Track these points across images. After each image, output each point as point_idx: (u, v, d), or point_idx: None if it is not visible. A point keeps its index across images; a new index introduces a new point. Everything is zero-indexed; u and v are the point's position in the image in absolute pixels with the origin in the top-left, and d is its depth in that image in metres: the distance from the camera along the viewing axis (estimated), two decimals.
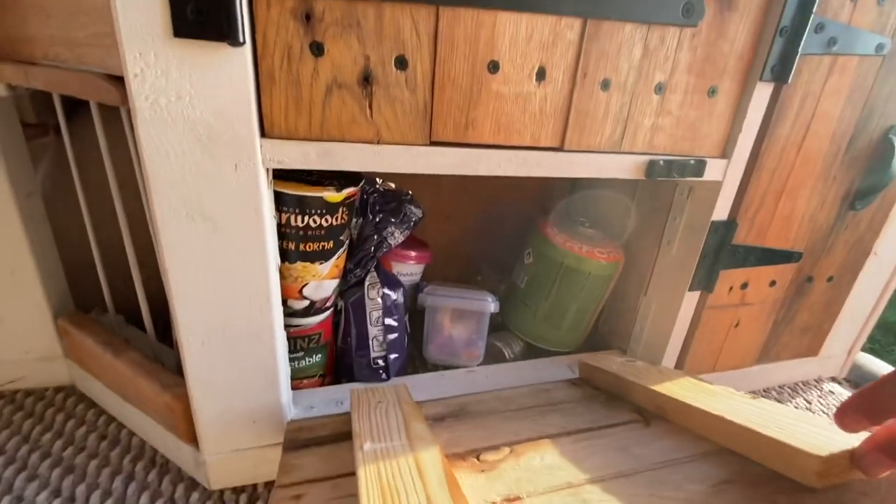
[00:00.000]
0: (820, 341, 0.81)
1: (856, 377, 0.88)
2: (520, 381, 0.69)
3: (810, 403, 0.80)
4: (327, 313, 0.63)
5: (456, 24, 0.42)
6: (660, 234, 0.69)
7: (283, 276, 0.55)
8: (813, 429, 0.41)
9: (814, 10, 0.50)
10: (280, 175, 0.52)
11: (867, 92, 0.60)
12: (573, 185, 0.92)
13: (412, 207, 0.68)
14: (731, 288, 0.68)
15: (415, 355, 0.79)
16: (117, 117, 0.49)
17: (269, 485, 0.57)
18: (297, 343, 0.61)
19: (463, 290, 0.75)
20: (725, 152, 0.58)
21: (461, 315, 0.74)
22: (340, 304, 0.67)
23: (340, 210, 0.56)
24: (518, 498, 0.40)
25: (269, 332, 0.49)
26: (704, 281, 0.65)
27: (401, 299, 0.69)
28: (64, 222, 0.66)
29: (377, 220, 0.66)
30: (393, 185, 0.70)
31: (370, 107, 0.44)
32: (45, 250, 0.64)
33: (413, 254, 0.76)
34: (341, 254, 0.60)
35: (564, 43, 0.46)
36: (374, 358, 0.67)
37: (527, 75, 0.46)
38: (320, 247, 0.56)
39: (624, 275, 0.76)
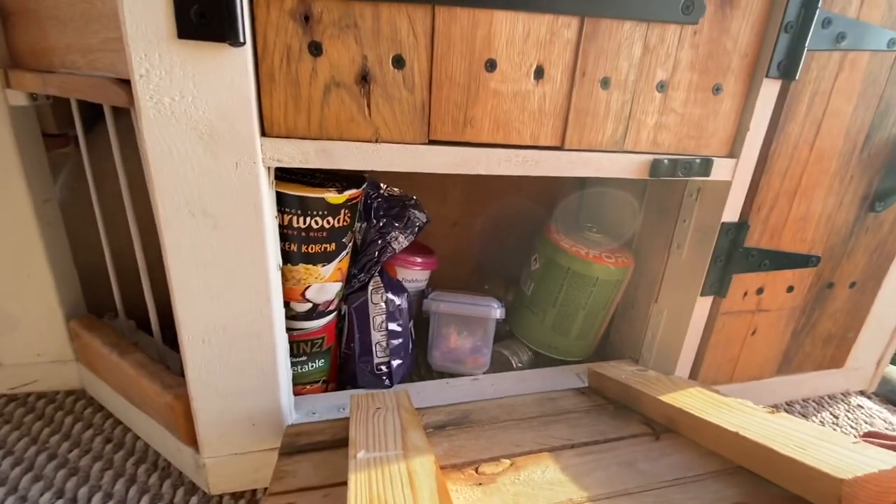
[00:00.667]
0: (845, 352, 0.77)
1: (886, 391, 0.83)
2: (526, 390, 0.67)
3: (837, 418, 0.76)
4: (330, 317, 0.63)
5: (452, 23, 0.43)
6: (669, 237, 0.68)
7: (285, 278, 0.55)
8: (836, 448, 0.38)
9: (819, 4, 0.50)
10: (284, 177, 0.53)
11: (881, 88, 0.58)
12: (581, 190, 0.91)
13: (416, 212, 0.68)
14: (745, 293, 0.65)
15: (420, 363, 0.78)
16: (132, 129, 0.51)
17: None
18: (300, 347, 0.61)
19: (468, 297, 0.74)
20: (733, 151, 0.57)
21: (466, 322, 0.73)
22: (344, 308, 0.67)
23: (342, 212, 0.56)
24: None
25: (268, 333, 0.49)
26: (717, 285, 0.63)
27: (405, 305, 0.68)
28: (79, 229, 0.69)
29: (381, 224, 0.66)
30: (398, 190, 0.70)
31: (368, 106, 0.44)
32: (61, 255, 0.66)
33: (418, 260, 0.76)
34: (344, 257, 0.60)
35: (562, 41, 0.46)
36: (378, 364, 0.66)
37: (525, 74, 0.46)
38: (322, 249, 0.56)
39: (634, 281, 0.74)
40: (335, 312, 0.64)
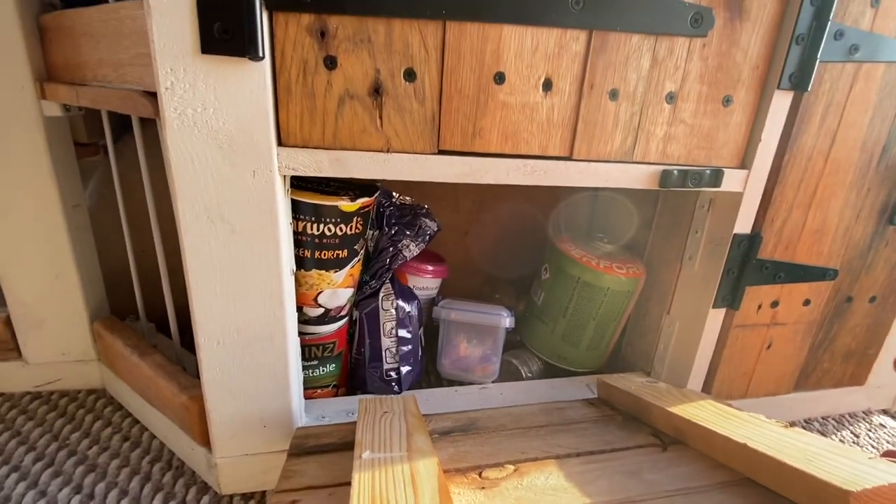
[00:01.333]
0: (866, 369, 0.75)
1: None
2: (535, 400, 0.67)
3: (858, 437, 0.74)
4: (342, 322, 0.64)
5: (462, 38, 0.44)
6: (681, 248, 0.67)
7: (298, 284, 0.57)
8: (848, 461, 0.37)
9: (830, 17, 0.50)
10: (298, 184, 0.55)
11: None
12: (593, 201, 0.91)
13: (427, 220, 0.69)
14: (759, 306, 0.64)
15: (429, 370, 0.78)
16: (157, 139, 0.53)
17: None
18: (312, 351, 0.63)
19: (478, 305, 0.74)
20: (745, 162, 0.57)
21: (476, 330, 0.74)
22: (355, 314, 0.68)
23: (355, 219, 0.58)
24: None
25: (281, 336, 0.51)
26: (729, 297, 0.62)
27: (415, 312, 0.69)
28: (105, 234, 0.72)
29: (393, 232, 0.67)
30: (409, 199, 0.71)
31: (380, 117, 0.46)
32: (88, 258, 0.69)
33: (429, 268, 0.77)
34: (356, 263, 0.61)
35: (570, 54, 0.47)
36: (387, 370, 0.67)
37: (533, 86, 0.47)
38: (335, 255, 0.58)
39: (645, 292, 0.74)
40: (346, 318, 0.65)
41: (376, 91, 0.45)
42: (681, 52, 0.50)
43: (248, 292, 0.48)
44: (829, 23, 0.50)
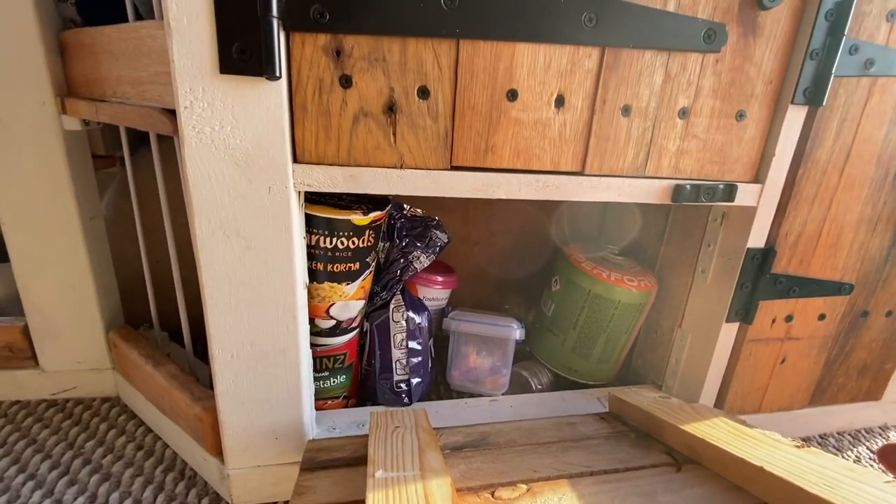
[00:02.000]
0: (882, 384, 0.74)
1: None
2: (545, 413, 0.67)
3: (874, 454, 0.72)
4: (353, 334, 0.65)
5: (476, 56, 0.45)
6: (694, 261, 0.67)
7: (310, 296, 0.57)
8: (865, 487, 0.37)
9: (845, 32, 0.49)
10: (311, 199, 0.55)
11: None
12: (604, 212, 0.91)
13: (438, 233, 0.70)
14: (773, 320, 0.64)
15: (439, 381, 0.79)
16: (174, 151, 0.54)
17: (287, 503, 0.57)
18: (323, 362, 0.63)
19: (488, 317, 0.74)
20: (758, 176, 0.56)
21: (486, 342, 0.74)
22: (366, 326, 0.68)
23: (367, 233, 0.58)
24: None
25: (294, 350, 0.51)
26: (742, 312, 0.62)
27: (425, 323, 0.69)
28: (121, 244, 0.73)
29: (404, 244, 0.68)
30: (420, 211, 0.72)
31: (394, 134, 0.46)
32: (104, 269, 0.70)
33: (439, 279, 0.77)
34: (367, 275, 0.62)
35: (583, 71, 0.47)
36: (398, 381, 0.67)
37: (545, 102, 0.48)
38: (347, 268, 0.58)
39: (658, 305, 0.74)
40: (357, 329, 0.65)
41: (390, 109, 0.45)
42: (694, 67, 0.50)
43: (262, 306, 0.48)
44: (844, 38, 0.50)
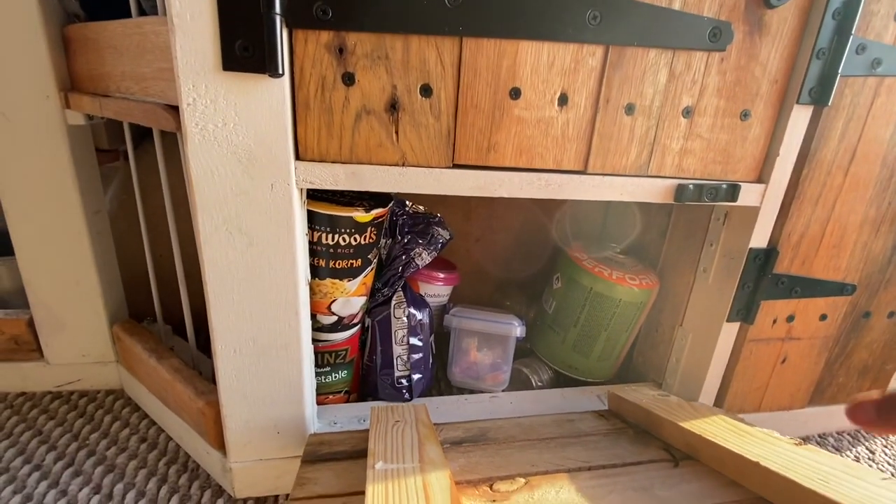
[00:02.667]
0: (883, 384, 0.74)
1: None
2: (545, 410, 0.67)
3: (874, 454, 0.73)
4: (354, 330, 0.65)
5: (479, 54, 0.45)
6: (695, 261, 0.67)
7: (312, 292, 0.58)
8: (862, 483, 0.37)
9: (853, 31, 0.49)
10: (314, 196, 0.56)
11: None
12: (606, 210, 0.91)
13: (440, 229, 0.70)
14: (774, 320, 0.64)
15: (440, 377, 0.79)
16: (177, 145, 0.54)
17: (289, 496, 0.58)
18: (325, 358, 0.63)
19: (489, 314, 0.75)
20: (762, 176, 0.56)
21: (486, 338, 0.74)
22: (368, 321, 0.69)
23: (369, 230, 0.58)
24: None
25: (296, 345, 0.51)
26: (744, 311, 0.62)
27: (426, 319, 0.70)
28: (125, 238, 0.73)
29: (405, 240, 0.68)
30: (422, 208, 0.72)
31: (396, 132, 0.46)
32: (108, 263, 0.71)
33: (441, 275, 0.77)
34: (369, 272, 0.62)
35: (586, 69, 0.47)
36: (398, 377, 0.68)
37: (548, 101, 0.48)
38: (349, 264, 0.58)
39: (658, 303, 0.74)
40: (359, 325, 0.66)
41: (393, 107, 0.45)
42: (698, 66, 0.50)
43: (265, 302, 0.49)
44: (852, 37, 0.49)
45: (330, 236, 0.56)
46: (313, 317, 0.59)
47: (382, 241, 0.66)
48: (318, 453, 0.50)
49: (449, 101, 0.46)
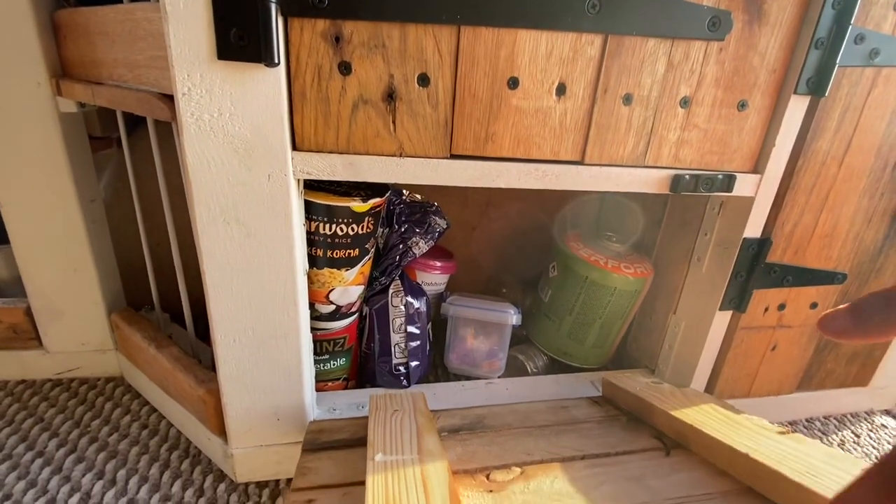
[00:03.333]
0: (870, 370, 0.76)
1: None
2: (540, 396, 0.68)
3: (859, 437, 0.75)
4: (352, 318, 0.65)
5: (477, 43, 0.44)
6: (690, 249, 0.67)
7: (311, 281, 0.58)
8: (846, 476, 0.38)
9: (852, 21, 0.49)
10: (311, 185, 0.55)
11: None
12: (602, 199, 0.91)
13: (437, 218, 0.70)
14: (766, 308, 0.65)
15: (437, 363, 0.80)
16: (171, 133, 0.54)
17: (290, 482, 0.59)
18: (323, 346, 0.64)
19: (486, 302, 0.75)
20: (757, 167, 0.56)
21: (483, 326, 0.75)
22: (366, 310, 0.69)
23: (366, 219, 0.58)
24: None
25: (294, 334, 0.52)
26: (737, 300, 0.63)
27: (423, 308, 0.70)
28: (121, 226, 0.73)
29: (402, 230, 0.68)
30: (419, 197, 0.72)
31: (393, 122, 0.46)
32: (104, 252, 0.71)
33: (438, 264, 0.78)
34: (366, 261, 0.62)
35: (585, 59, 0.47)
36: (396, 364, 0.68)
37: (546, 91, 0.47)
38: (346, 254, 0.59)
39: (653, 291, 0.74)
40: (357, 314, 0.66)
41: (390, 96, 0.45)
42: (697, 55, 0.49)
43: (263, 292, 0.49)
44: (850, 27, 0.49)
45: (327, 226, 0.56)
46: (312, 306, 0.59)
47: (380, 230, 0.67)
48: (318, 441, 0.51)
49: (446, 91, 0.45)
